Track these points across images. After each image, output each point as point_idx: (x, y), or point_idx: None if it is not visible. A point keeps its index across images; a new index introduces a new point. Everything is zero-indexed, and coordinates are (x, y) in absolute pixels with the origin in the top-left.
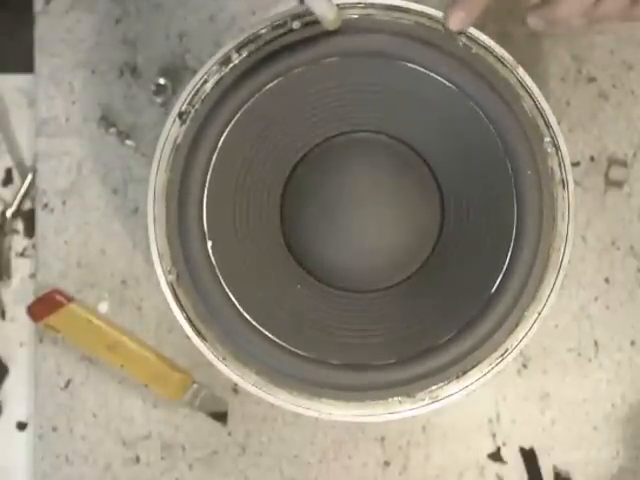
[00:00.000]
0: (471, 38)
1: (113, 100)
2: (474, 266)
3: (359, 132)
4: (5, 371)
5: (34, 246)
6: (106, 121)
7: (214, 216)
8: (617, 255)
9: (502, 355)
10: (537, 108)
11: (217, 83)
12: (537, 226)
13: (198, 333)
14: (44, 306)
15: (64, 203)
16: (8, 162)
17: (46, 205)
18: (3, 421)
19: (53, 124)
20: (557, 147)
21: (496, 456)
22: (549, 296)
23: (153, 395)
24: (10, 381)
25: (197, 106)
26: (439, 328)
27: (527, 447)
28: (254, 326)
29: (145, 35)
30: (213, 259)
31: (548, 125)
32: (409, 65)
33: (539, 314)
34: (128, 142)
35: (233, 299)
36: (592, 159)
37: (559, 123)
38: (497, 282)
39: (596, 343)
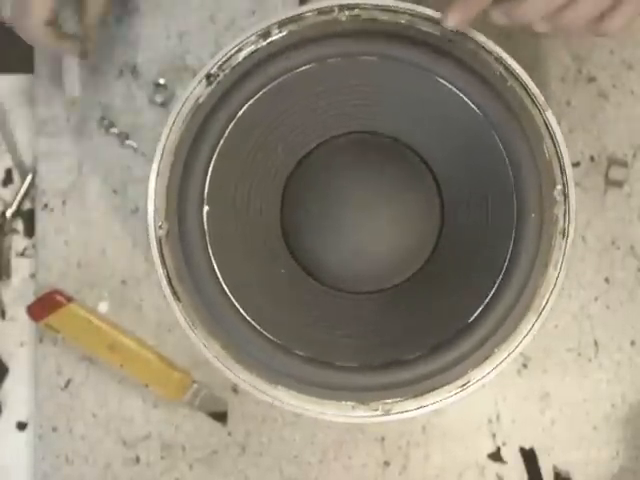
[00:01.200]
0: (509, 71)
1: (113, 100)
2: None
3: (363, 133)
4: (5, 371)
5: (34, 246)
6: (106, 121)
7: (215, 196)
8: (617, 255)
9: (463, 385)
10: (556, 152)
11: (251, 54)
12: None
13: (173, 292)
14: (44, 306)
15: (64, 203)
16: (8, 162)
17: (46, 205)
18: (3, 421)
19: (53, 124)
20: (566, 196)
21: (496, 456)
22: (529, 332)
23: (153, 395)
24: (10, 381)
25: (226, 72)
26: (411, 343)
27: (527, 447)
28: (230, 300)
29: (145, 35)
30: (206, 225)
31: (563, 171)
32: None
33: (509, 353)
34: (128, 142)
35: (215, 266)
36: (592, 159)
37: (559, 123)
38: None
39: (596, 343)
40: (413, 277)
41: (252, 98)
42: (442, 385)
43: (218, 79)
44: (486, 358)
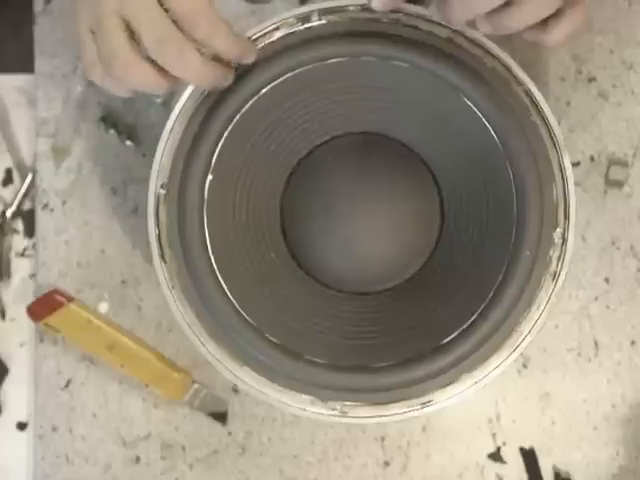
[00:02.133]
0: (539, 111)
1: (113, 100)
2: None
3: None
4: (5, 371)
5: (34, 246)
6: (106, 121)
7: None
8: (617, 255)
9: (424, 404)
10: (564, 195)
11: (286, 35)
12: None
13: (161, 255)
14: (44, 306)
15: (64, 203)
16: (8, 162)
17: (46, 205)
18: (3, 421)
19: (53, 124)
20: (565, 240)
21: (496, 456)
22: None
23: (153, 395)
24: (10, 381)
25: (259, 46)
26: (385, 352)
27: (527, 447)
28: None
29: None
30: (206, 194)
31: (567, 216)
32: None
33: (474, 383)
34: (128, 142)
35: (208, 240)
36: (592, 159)
37: (559, 123)
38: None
39: (596, 343)
40: (404, 284)
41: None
42: (403, 399)
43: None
44: (449, 383)
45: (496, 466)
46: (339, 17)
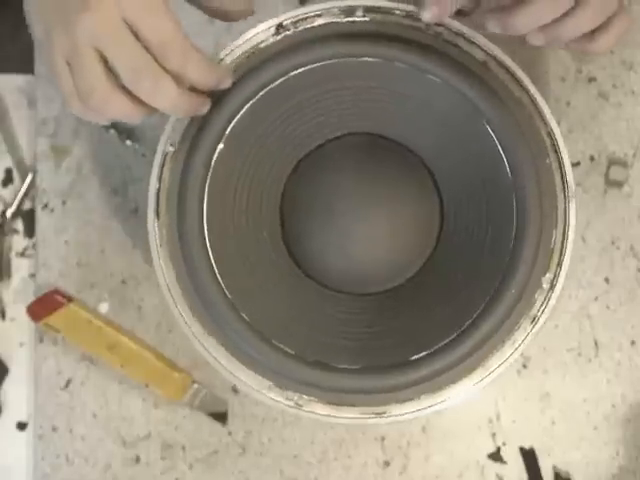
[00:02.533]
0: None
1: None
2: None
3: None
4: (5, 371)
5: (34, 246)
6: None
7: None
8: (617, 255)
9: (380, 413)
10: (562, 241)
11: (325, 25)
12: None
13: (156, 213)
14: (44, 306)
15: (64, 203)
16: (8, 162)
17: (46, 205)
18: (3, 421)
19: (53, 124)
20: (553, 287)
21: (496, 456)
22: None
23: (153, 395)
24: (10, 381)
25: (297, 30)
26: (346, 353)
27: (527, 447)
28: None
29: None
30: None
31: (560, 264)
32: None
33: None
34: (128, 142)
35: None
36: (592, 159)
37: (559, 123)
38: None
39: (596, 343)
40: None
41: (253, 98)
42: (362, 404)
43: (286, 33)
44: (407, 400)
45: (496, 466)
46: (383, 18)
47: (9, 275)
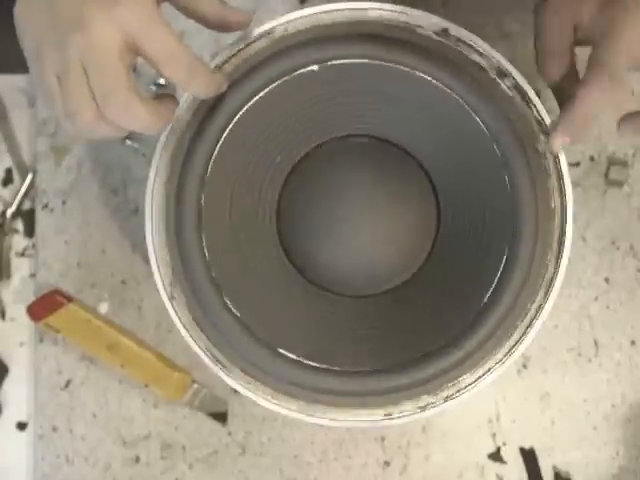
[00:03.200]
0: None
1: None
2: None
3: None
4: (5, 371)
5: (34, 246)
6: None
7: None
8: (617, 255)
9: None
10: (555, 267)
11: (348, 23)
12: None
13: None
14: (44, 306)
15: (64, 203)
16: (8, 162)
17: (46, 205)
18: (3, 421)
19: (53, 124)
20: (538, 312)
21: (496, 456)
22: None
23: (153, 395)
24: (10, 381)
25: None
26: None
27: (527, 447)
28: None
29: None
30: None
31: (547, 291)
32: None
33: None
34: (128, 142)
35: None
36: (592, 159)
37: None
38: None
39: (596, 343)
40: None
41: (252, 99)
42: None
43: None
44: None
45: (496, 466)
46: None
47: (9, 275)
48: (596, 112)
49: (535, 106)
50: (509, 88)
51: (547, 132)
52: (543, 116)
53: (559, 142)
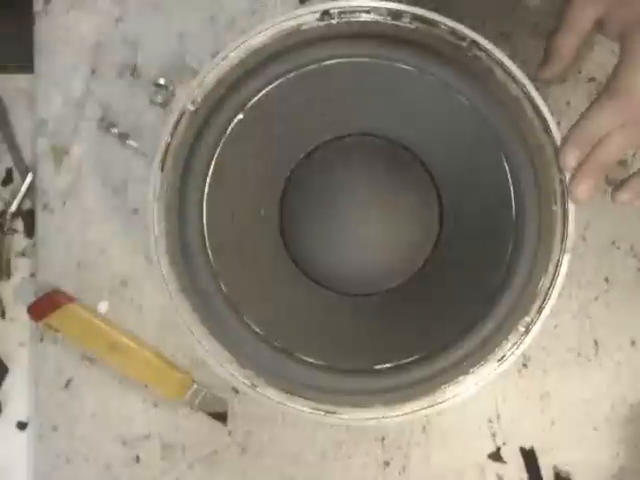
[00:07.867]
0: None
1: (113, 100)
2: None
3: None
4: (5, 371)
5: (34, 246)
6: (106, 121)
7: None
8: (617, 255)
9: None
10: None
11: (367, 22)
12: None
13: (162, 162)
14: (44, 306)
15: (64, 203)
16: (8, 162)
17: (46, 205)
18: (3, 421)
19: (53, 124)
20: (528, 327)
21: (496, 456)
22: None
23: (153, 395)
24: (10, 381)
25: (342, 20)
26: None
27: (527, 447)
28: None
29: (145, 35)
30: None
31: (543, 304)
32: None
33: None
34: (128, 142)
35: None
36: None
37: (559, 123)
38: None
39: (596, 343)
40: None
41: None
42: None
43: (330, 21)
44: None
45: (496, 466)
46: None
47: (9, 275)
48: (603, 132)
49: (545, 117)
50: (519, 94)
51: (557, 148)
52: (552, 128)
53: (568, 157)
